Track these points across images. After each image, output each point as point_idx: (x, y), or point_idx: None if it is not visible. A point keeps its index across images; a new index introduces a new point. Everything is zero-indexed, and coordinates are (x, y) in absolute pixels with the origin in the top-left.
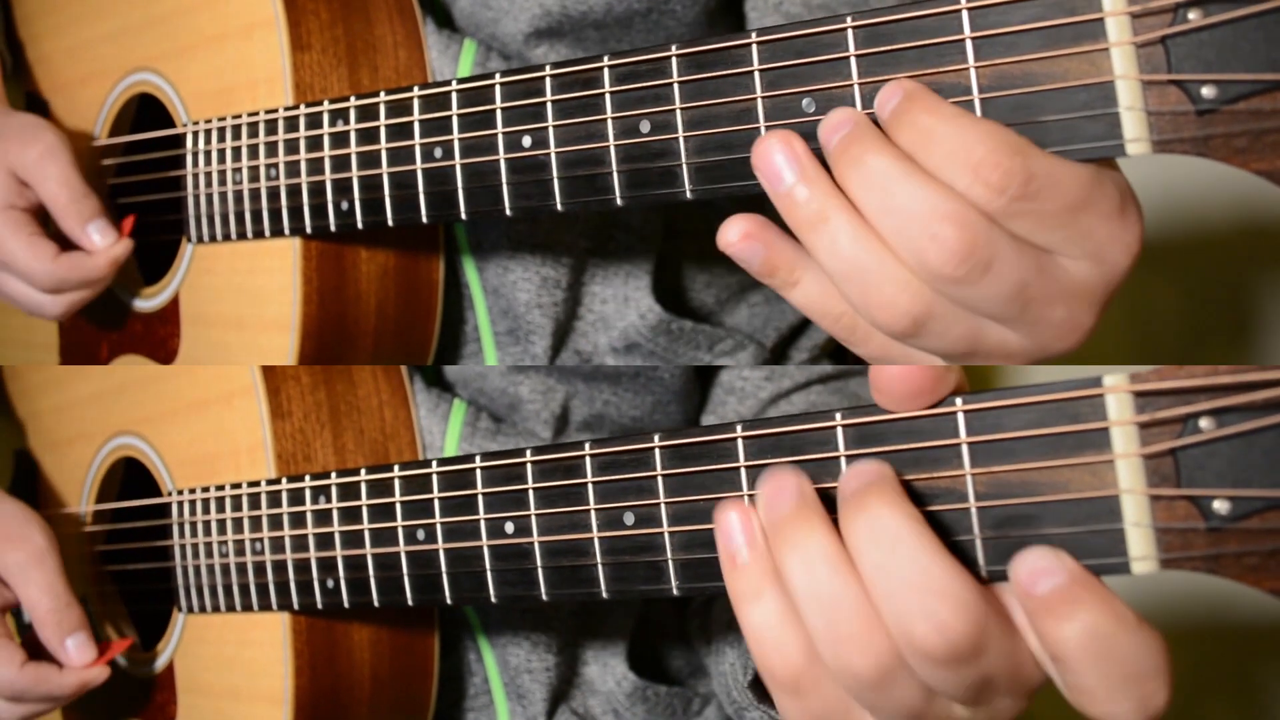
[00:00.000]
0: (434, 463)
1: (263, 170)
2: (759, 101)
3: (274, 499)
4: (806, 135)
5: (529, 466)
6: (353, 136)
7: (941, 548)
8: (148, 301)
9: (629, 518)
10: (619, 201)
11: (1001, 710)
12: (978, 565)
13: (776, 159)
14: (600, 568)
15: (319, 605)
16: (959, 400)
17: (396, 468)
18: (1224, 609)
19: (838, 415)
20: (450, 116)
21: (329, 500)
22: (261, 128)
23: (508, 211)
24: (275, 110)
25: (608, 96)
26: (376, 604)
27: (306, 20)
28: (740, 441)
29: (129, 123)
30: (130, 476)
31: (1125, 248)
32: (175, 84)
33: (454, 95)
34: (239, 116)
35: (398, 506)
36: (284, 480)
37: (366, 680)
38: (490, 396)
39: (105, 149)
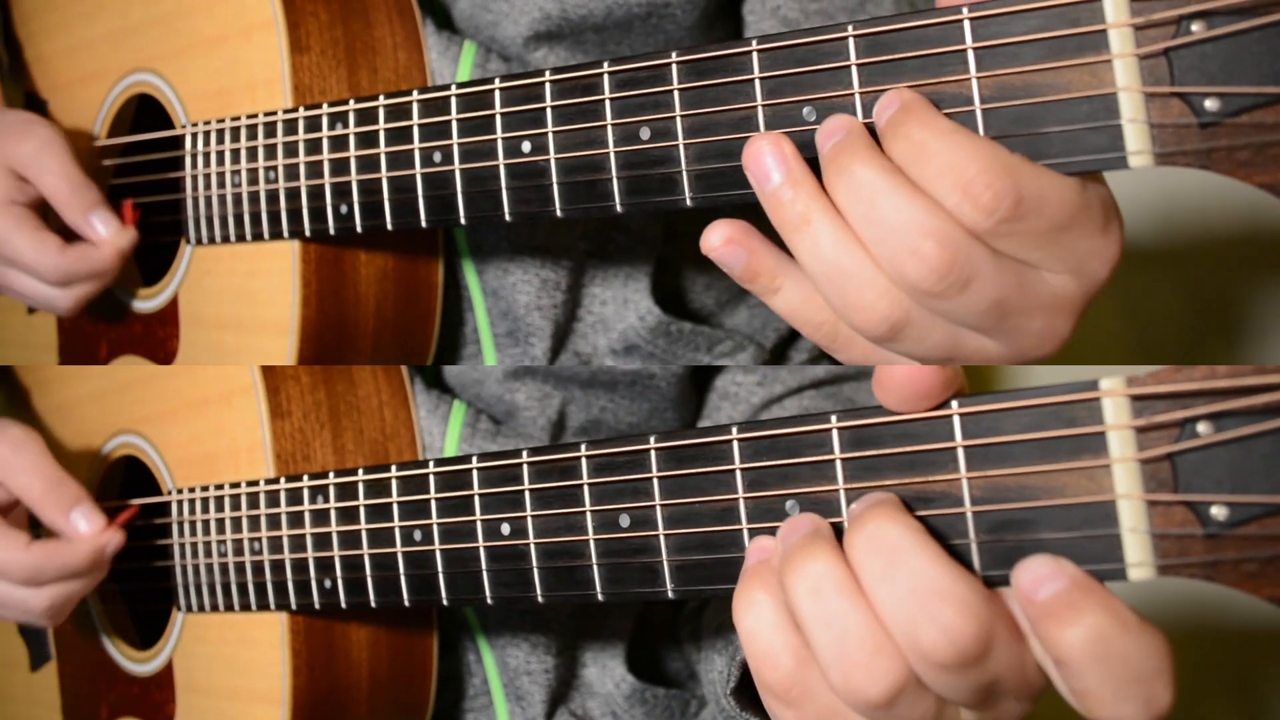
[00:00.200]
0: (431, 463)
1: (262, 173)
2: (759, 109)
3: (272, 499)
4: (806, 144)
5: (525, 468)
6: (352, 140)
7: (942, 553)
8: (147, 302)
9: (625, 519)
10: (619, 208)
11: (1007, 713)
12: (974, 570)
13: (766, 160)
14: (596, 569)
15: (316, 605)
16: (955, 403)
17: (394, 468)
18: (1224, 611)
19: (833, 418)
20: (450, 121)
21: (327, 500)
22: (261, 130)
23: (507, 217)
24: (274, 113)
25: (608, 103)
26: (373, 604)
27: (306, 22)
28: (736, 444)
29: (128, 123)
30: (130, 475)
31: (1106, 261)
32: (174, 85)
33: (453, 100)
34: (238, 118)
35: (395, 507)
36: (282, 480)
37: (365, 680)
38: (487, 403)
39: (104, 149)
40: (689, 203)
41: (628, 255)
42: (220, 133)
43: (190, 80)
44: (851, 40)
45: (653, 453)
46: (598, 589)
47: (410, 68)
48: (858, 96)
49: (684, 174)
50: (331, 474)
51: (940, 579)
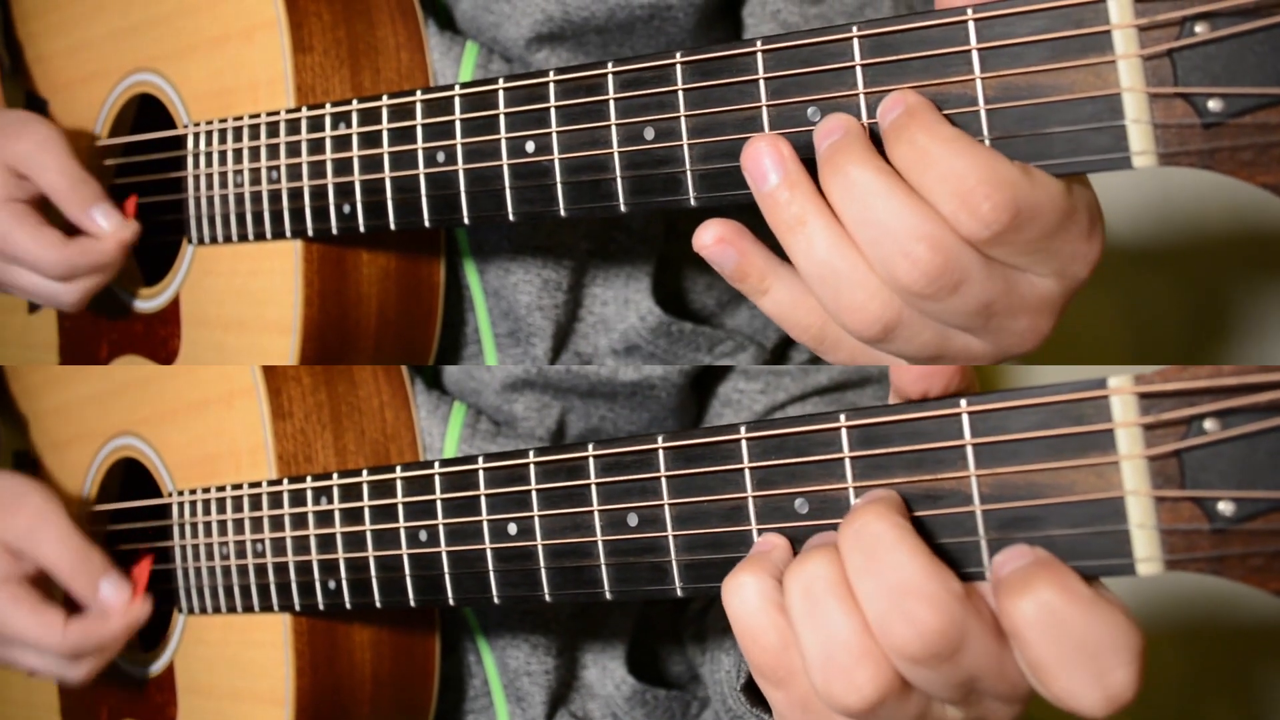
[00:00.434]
0: (436, 464)
1: (264, 172)
2: (764, 109)
3: (275, 499)
4: (810, 145)
5: (532, 468)
6: (355, 140)
7: (923, 551)
8: (148, 302)
9: (632, 519)
10: (623, 208)
11: (994, 713)
12: (982, 567)
13: (764, 161)
14: (604, 569)
15: (320, 606)
16: (964, 402)
17: (399, 468)
18: (1225, 610)
19: (842, 416)
20: (453, 121)
21: (331, 501)
22: (263, 129)
23: (510, 217)
24: (277, 112)
25: (611, 103)
26: (379, 605)
27: (308, 22)
28: (744, 443)
29: (129, 123)
30: (130, 477)
31: (1089, 262)
32: (176, 85)
33: (457, 99)
34: (240, 118)
35: (400, 507)
36: (285, 481)
37: (368, 681)
38: (486, 412)
39: (105, 149)
40: (693, 203)
41: (629, 255)
42: (223, 132)
43: (192, 80)
44: (856, 41)
45: (660, 452)
46: (605, 588)
47: (413, 68)
48: (862, 97)
49: (688, 174)
50: (335, 475)
51: (915, 575)
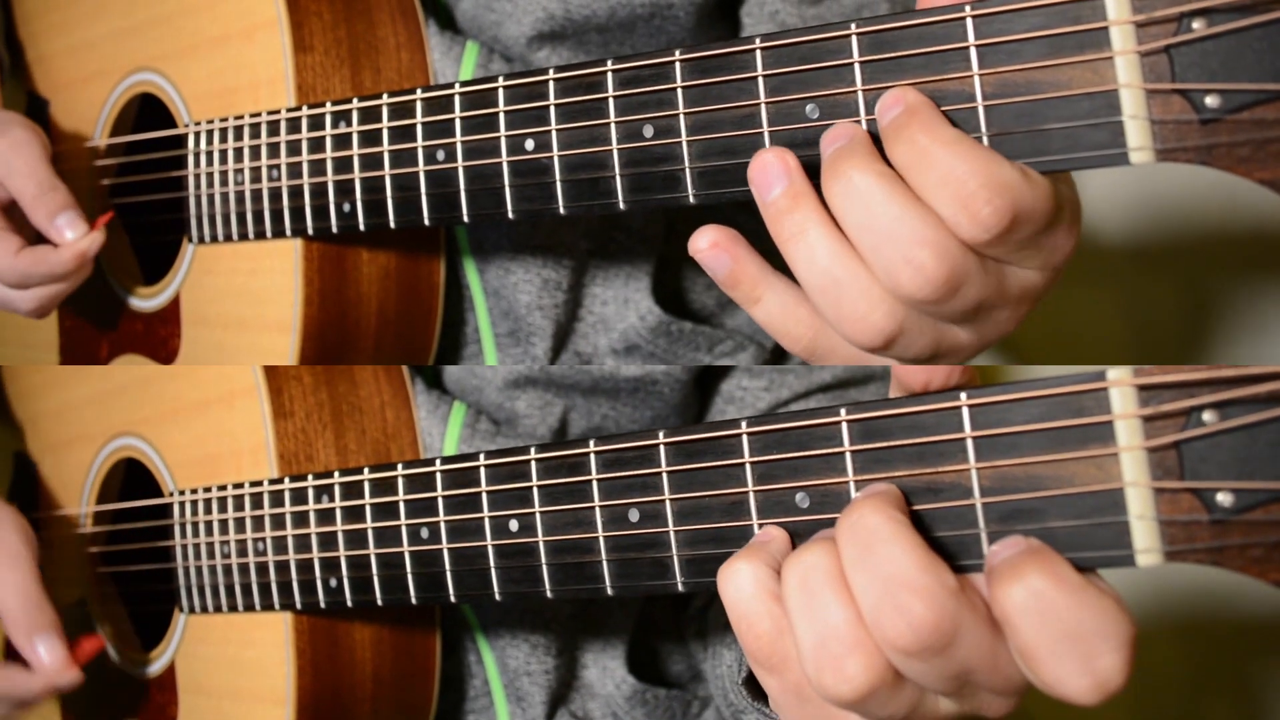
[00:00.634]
0: (438, 461)
1: (264, 171)
2: (763, 107)
3: (276, 498)
4: (809, 140)
5: (533, 464)
6: (355, 138)
7: (918, 544)
8: (148, 301)
9: (634, 514)
10: (621, 206)
11: (988, 706)
12: (983, 559)
13: (771, 171)
14: (605, 564)
15: (322, 604)
16: (963, 395)
17: (400, 466)
18: (1224, 607)
19: (842, 410)
20: (453, 119)
21: (332, 499)
22: (264, 128)
23: (510, 215)
24: (278, 111)
25: (611, 100)
26: (380, 602)
27: (309, 21)
28: (745, 437)
29: (130, 123)
30: (131, 477)
31: (1067, 254)
32: (177, 84)
33: (457, 98)
34: (241, 117)
35: (401, 505)
36: (286, 479)
37: (369, 680)
38: (488, 410)
39: (106, 149)
40: (692, 200)
41: (629, 254)
42: (223, 131)
43: (193, 80)
44: (854, 38)
45: (662, 448)
46: (607, 584)
47: (413, 68)
48: (860, 94)
49: (687, 171)
50: (337, 473)
51: (909, 569)
